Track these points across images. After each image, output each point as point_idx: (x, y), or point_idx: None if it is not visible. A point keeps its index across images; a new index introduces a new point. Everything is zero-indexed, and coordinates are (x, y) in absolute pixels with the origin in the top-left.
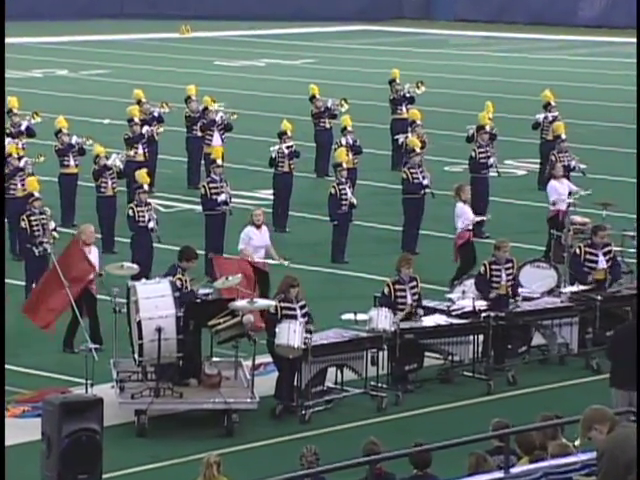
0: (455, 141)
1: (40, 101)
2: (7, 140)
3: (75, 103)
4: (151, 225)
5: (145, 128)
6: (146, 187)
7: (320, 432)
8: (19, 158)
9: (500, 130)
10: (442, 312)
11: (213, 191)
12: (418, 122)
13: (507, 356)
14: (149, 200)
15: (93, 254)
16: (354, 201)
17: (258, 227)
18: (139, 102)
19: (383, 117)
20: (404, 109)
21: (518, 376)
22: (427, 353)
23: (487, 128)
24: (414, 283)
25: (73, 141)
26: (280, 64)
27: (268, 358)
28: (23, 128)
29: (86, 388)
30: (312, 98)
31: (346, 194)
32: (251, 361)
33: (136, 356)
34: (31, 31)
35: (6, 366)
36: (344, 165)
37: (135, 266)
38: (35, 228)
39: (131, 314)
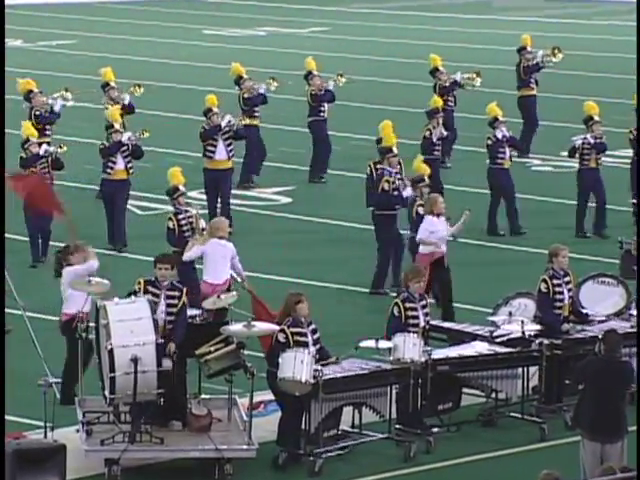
0: None
1: None
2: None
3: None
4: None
5: (126, 135)
6: (182, 188)
7: None
8: (39, 144)
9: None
10: (484, 339)
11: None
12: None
13: (564, 393)
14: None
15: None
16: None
17: (438, 216)
18: (106, 85)
19: (421, 101)
20: (534, 83)
21: None
22: (465, 389)
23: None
24: (424, 302)
25: (42, 151)
26: (284, 33)
27: (270, 395)
28: (126, 102)
29: (45, 432)
30: (308, 75)
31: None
32: (248, 399)
33: (107, 392)
34: None
35: None
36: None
37: (106, 281)
38: (184, 228)
39: (101, 341)
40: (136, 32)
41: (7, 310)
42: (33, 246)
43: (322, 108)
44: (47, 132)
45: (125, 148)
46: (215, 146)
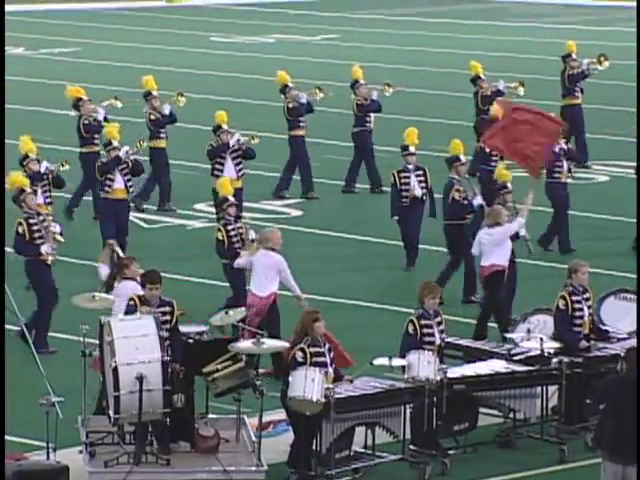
0: None
1: None
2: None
3: (33, 89)
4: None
5: (124, 149)
6: (232, 199)
7: None
8: (38, 161)
9: None
10: (501, 356)
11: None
12: None
13: (585, 413)
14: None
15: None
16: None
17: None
18: (148, 94)
19: (437, 110)
20: (579, 91)
21: None
22: (482, 409)
23: None
24: (440, 318)
25: (42, 168)
26: (293, 40)
27: (280, 414)
28: (166, 111)
29: (47, 453)
30: (354, 84)
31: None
32: (257, 418)
33: (111, 412)
34: None
35: None
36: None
37: (111, 297)
38: (234, 239)
39: (105, 359)
40: (141, 39)
41: (8, 326)
42: None
43: (368, 118)
44: (96, 141)
45: (124, 165)
46: (223, 164)
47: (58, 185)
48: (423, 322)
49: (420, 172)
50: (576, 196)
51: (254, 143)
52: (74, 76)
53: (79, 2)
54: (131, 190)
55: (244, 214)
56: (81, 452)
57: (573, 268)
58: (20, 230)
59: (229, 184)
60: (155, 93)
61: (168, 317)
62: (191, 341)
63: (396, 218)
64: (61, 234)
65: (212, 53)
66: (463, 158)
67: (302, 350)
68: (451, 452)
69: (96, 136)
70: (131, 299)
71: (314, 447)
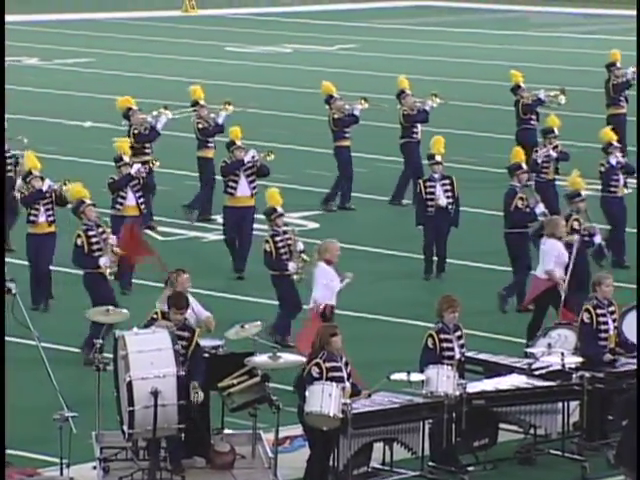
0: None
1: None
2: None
3: (47, 100)
4: (292, 266)
5: (136, 167)
6: (280, 209)
7: None
8: (41, 178)
9: None
10: (521, 371)
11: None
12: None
13: (607, 430)
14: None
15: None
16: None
17: (559, 239)
18: (196, 104)
19: (461, 121)
20: (624, 100)
21: None
22: (502, 425)
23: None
24: (459, 332)
25: (45, 187)
26: (310, 50)
27: (297, 430)
28: (220, 121)
29: (61, 469)
30: (400, 94)
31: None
32: (274, 434)
33: (125, 427)
34: None
35: None
36: None
37: (125, 311)
38: (282, 251)
39: (119, 373)
40: (156, 50)
41: (21, 340)
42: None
43: (415, 129)
44: (146, 150)
45: (136, 182)
46: (237, 182)
47: (62, 204)
48: (442, 336)
49: (447, 181)
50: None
51: (270, 160)
52: (88, 87)
53: (94, 12)
54: (142, 207)
55: (259, 225)
56: (95, 468)
57: (597, 281)
58: (79, 242)
59: (277, 194)
60: (203, 102)
61: (184, 342)
62: (207, 355)
63: (420, 227)
64: (118, 247)
65: (227, 63)
66: (525, 166)
67: (318, 365)
68: (470, 469)
69: (147, 145)
70: (155, 313)
71: (331, 463)
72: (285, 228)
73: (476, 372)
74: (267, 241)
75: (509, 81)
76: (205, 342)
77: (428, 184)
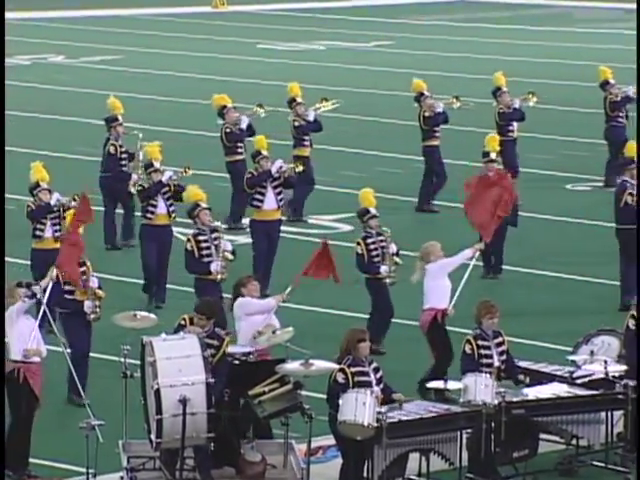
0: None
1: (26, 96)
2: None
3: (73, 99)
4: (384, 269)
5: (167, 174)
6: (374, 211)
7: None
8: (49, 191)
9: None
10: (563, 380)
11: None
12: None
13: None
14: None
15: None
16: None
17: None
18: (293, 101)
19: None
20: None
21: None
22: (543, 435)
23: None
24: (500, 339)
25: (53, 200)
26: (345, 47)
27: (329, 440)
28: (244, 126)
29: (87, 479)
30: (418, 97)
31: None
32: (306, 444)
33: (153, 436)
34: (15, 3)
35: None
36: None
37: (153, 316)
38: (374, 253)
39: (147, 380)
40: (184, 47)
41: (48, 347)
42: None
43: (510, 127)
44: (239, 150)
45: (166, 189)
46: (264, 194)
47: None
48: (480, 342)
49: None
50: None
51: (298, 171)
52: (116, 85)
53: (121, 8)
54: (173, 216)
55: (291, 228)
56: (122, 478)
57: None
58: (188, 247)
59: (371, 195)
60: (300, 99)
61: (212, 350)
62: (237, 362)
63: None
64: (233, 252)
65: (259, 61)
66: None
67: (342, 371)
68: None
69: (239, 144)
70: (182, 319)
71: (365, 474)
72: (380, 230)
73: (517, 380)
74: (358, 243)
75: (560, 79)
76: (235, 349)
77: (621, 178)
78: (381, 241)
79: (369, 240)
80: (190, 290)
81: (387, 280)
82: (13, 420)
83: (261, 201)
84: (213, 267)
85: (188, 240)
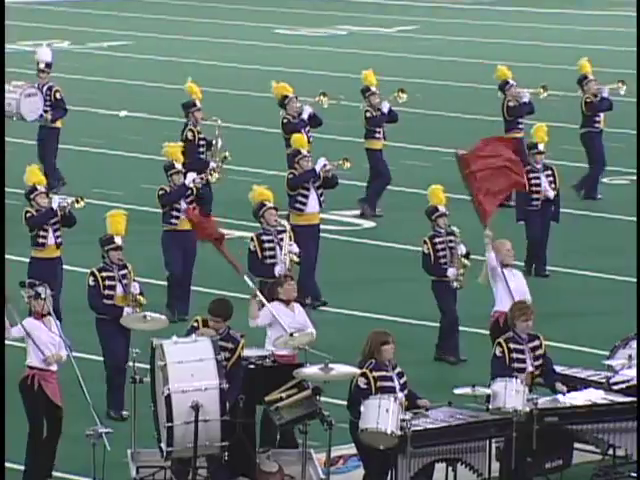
0: None
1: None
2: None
3: (80, 87)
4: (451, 272)
5: (190, 177)
6: (443, 209)
7: None
8: (47, 194)
9: None
10: (599, 386)
11: None
12: None
13: None
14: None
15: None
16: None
17: None
18: (367, 90)
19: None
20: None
21: None
22: (578, 444)
23: None
24: (536, 342)
25: (55, 204)
26: (368, 33)
27: (350, 449)
28: (305, 116)
29: None
30: (503, 85)
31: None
32: (326, 453)
33: (163, 445)
34: None
35: None
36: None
37: (163, 317)
38: (441, 253)
39: (157, 386)
40: (196, 32)
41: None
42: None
43: (597, 118)
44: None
45: (190, 192)
46: (307, 197)
47: (68, 224)
48: (512, 346)
49: (549, 172)
50: None
51: (346, 168)
52: (124, 72)
53: None
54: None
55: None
56: None
57: None
58: (252, 247)
59: (440, 192)
60: (374, 89)
61: (227, 354)
62: (252, 366)
63: (522, 222)
64: (298, 255)
65: (277, 47)
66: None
67: (364, 375)
68: None
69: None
70: (195, 320)
71: None
72: (449, 229)
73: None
74: (425, 242)
75: (572, 65)
76: (251, 352)
77: (532, 175)
78: (450, 241)
79: (437, 240)
80: (201, 289)
81: (454, 284)
82: (30, 430)
83: (304, 204)
84: (277, 270)
85: (251, 240)
